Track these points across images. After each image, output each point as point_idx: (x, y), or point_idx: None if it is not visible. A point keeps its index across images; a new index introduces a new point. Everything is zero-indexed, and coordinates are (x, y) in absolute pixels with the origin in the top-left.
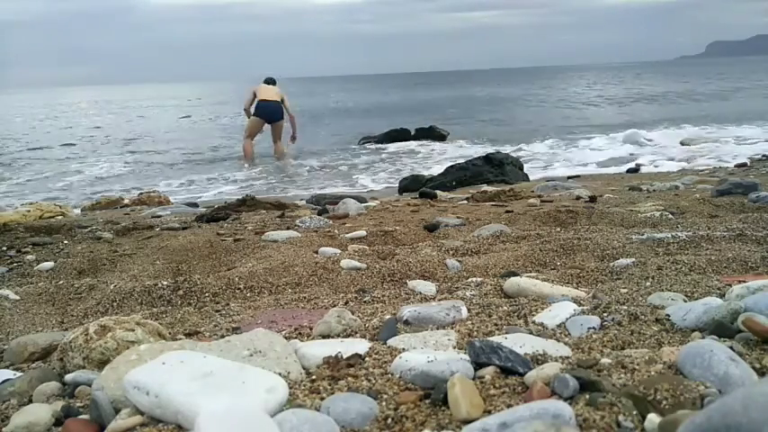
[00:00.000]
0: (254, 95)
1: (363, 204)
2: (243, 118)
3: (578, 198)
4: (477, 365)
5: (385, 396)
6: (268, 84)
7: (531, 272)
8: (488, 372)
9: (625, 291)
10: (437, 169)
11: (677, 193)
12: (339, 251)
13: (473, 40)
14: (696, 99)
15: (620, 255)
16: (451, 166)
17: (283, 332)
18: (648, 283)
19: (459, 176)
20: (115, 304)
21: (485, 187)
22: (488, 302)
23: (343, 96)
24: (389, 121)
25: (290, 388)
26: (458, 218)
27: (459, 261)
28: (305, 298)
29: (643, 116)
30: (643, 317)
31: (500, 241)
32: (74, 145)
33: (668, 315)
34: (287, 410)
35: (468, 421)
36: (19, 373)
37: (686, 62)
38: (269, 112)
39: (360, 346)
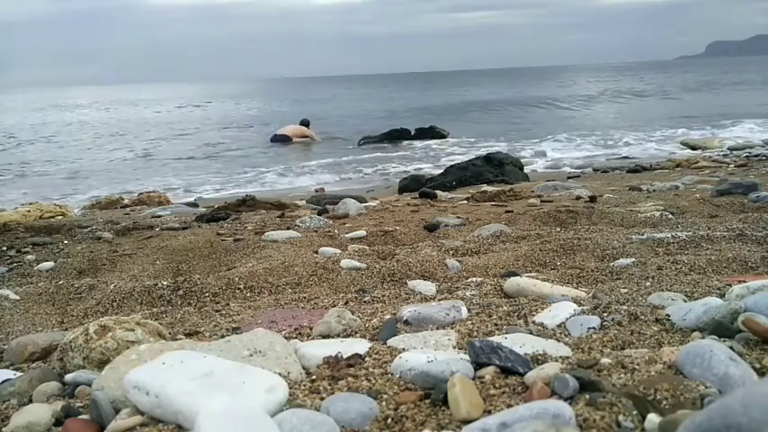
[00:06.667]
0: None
1: (363, 204)
2: None
3: (578, 198)
4: (477, 365)
5: (385, 396)
6: (302, 125)
7: (531, 272)
8: (488, 372)
9: (625, 291)
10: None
11: (677, 193)
12: (339, 251)
13: (473, 40)
14: None
15: (620, 255)
16: (451, 166)
17: (283, 332)
18: (648, 283)
19: (459, 176)
20: (115, 304)
21: (485, 187)
22: (488, 302)
23: (342, 96)
24: (390, 121)
25: (290, 388)
26: (458, 218)
27: (459, 261)
28: (305, 298)
29: None
30: (643, 317)
31: (500, 241)
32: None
33: (668, 315)
34: (287, 410)
35: (468, 421)
36: (19, 373)
37: (687, 62)
38: (278, 142)
39: (360, 346)
